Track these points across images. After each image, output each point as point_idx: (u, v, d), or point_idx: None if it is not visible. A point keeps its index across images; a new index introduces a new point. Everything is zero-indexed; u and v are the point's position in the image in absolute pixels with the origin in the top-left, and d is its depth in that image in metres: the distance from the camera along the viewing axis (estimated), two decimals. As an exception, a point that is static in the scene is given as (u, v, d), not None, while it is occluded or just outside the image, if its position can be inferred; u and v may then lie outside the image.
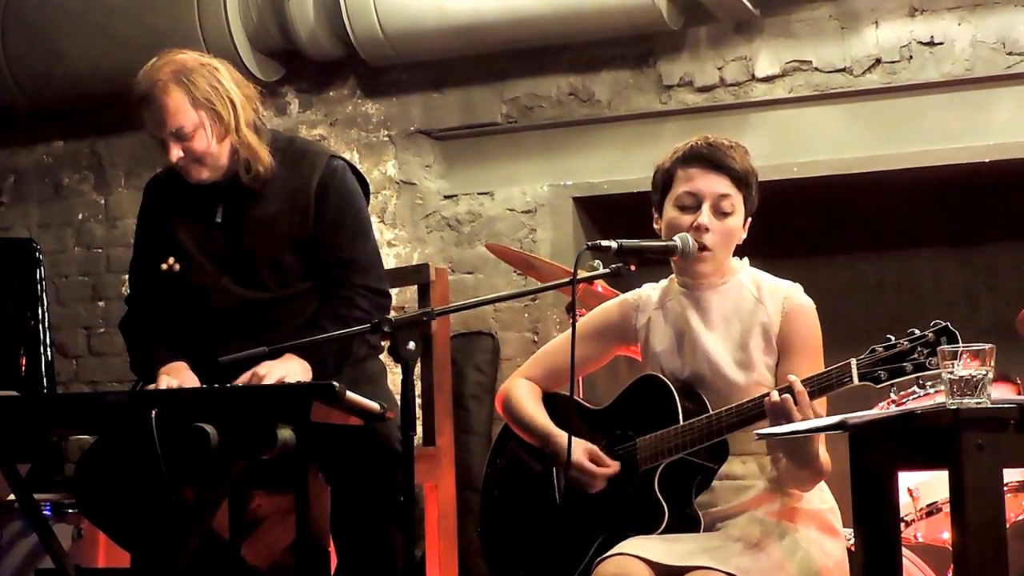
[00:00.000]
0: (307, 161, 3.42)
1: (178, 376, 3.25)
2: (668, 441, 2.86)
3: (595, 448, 2.97)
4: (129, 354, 3.51)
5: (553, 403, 3.14)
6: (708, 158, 2.93)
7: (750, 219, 3.00)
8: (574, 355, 2.87)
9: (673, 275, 3.05)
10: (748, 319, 2.93)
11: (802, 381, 2.72)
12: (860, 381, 2.67)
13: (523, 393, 3.15)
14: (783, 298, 2.94)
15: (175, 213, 3.44)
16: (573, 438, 2.93)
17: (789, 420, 2.67)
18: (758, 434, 2.72)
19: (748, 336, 2.92)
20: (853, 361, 2.68)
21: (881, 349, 2.66)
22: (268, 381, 3.13)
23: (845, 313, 5.15)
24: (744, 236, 3.00)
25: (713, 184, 2.92)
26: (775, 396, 2.70)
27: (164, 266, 3.41)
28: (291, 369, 3.19)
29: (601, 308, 3.17)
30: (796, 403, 2.69)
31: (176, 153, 3.30)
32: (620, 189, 5.31)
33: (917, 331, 2.63)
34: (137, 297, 3.54)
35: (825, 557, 2.84)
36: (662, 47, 5.27)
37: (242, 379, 3.17)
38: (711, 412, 2.84)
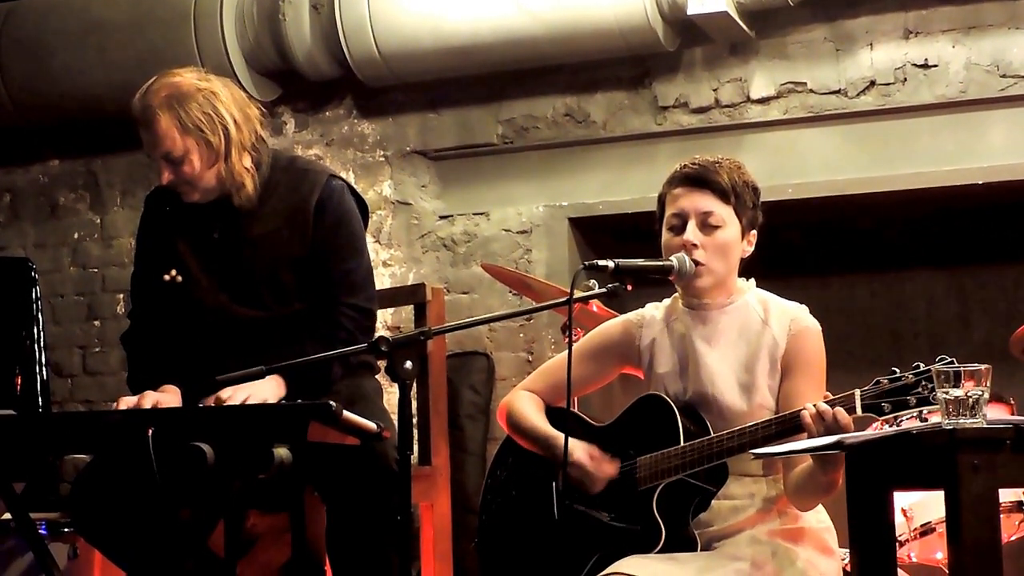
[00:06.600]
0: (307, 180, 3.42)
1: (163, 399, 3.25)
2: (668, 461, 2.86)
3: (595, 449, 2.97)
4: (128, 369, 3.51)
5: (555, 418, 3.13)
6: (691, 177, 2.94)
7: (755, 232, 2.98)
8: (570, 376, 2.87)
9: (677, 294, 3.05)
10: (754, 341, 2.92)
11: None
12: (864, 412, 2.66)
13: (525, 403, 3.15)
14: (790, 320, 2.92)
15: (175, 226, 3.45)
16: (575, 440, 2.94)
17: (841, 431, 2.62)
18: (754, 453, 2.72)
19: (754, 359, 2.91)
20: (857, 392, 2.66)
21: (886, 381, 2.64)
22: (232, 403, 3.12)
23: (838, 334, 5.14)
24: (749, 250, 2.98)
25: (696, 201, 2.92)
26: (823, 406, 2.65)
27: (167, 277, 3.41)
28: (257, 390, 3.18)
29: (603, 327, 3.17)
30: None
31: (166, 175, 3.32)
32: (615, 210, 5.33)
33: (922, 365, 2.62)
34: (139, 311, 3.53)
35: (821, 577, 2.84)
36: (658, 68, 5.29)
37: (207, 402, 3.16)
38: (712, 434, 2.84)
